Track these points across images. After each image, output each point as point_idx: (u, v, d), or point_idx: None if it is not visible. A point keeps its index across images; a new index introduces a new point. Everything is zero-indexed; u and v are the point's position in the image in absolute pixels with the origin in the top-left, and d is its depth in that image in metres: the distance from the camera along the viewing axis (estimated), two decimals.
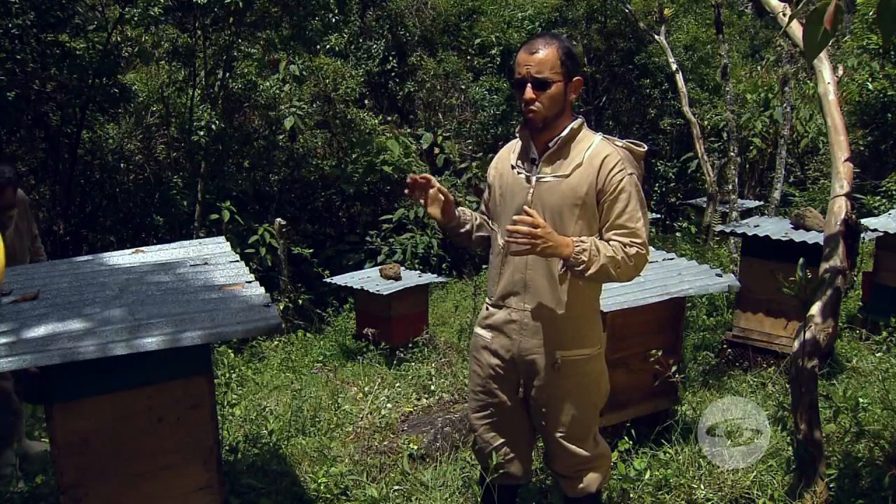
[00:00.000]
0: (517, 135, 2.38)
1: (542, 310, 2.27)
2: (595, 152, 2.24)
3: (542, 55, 2.17)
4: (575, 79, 2.24)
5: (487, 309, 2.42)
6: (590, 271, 2.13)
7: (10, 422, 3.36)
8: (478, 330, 2.46)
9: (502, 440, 2.46)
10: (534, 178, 2.27)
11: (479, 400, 2.46)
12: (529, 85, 2.18)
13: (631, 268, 2.19)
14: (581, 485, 2.43)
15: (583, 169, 2.22)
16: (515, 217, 2.11)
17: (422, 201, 2.33)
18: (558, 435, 2.36)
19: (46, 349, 1.74)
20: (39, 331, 1.81)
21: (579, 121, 2.29)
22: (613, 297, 3.17)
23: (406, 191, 2.31)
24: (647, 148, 2.38)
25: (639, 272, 2.24)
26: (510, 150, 2.42)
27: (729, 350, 4.85)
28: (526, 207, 2.12)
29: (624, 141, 2.32)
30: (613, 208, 2.21)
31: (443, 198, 2.32)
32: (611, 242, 2.19)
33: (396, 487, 3.06)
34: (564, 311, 2.26)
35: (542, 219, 2.13)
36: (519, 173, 2.32)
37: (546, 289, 2.27)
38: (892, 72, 10.42)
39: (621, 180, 2.20)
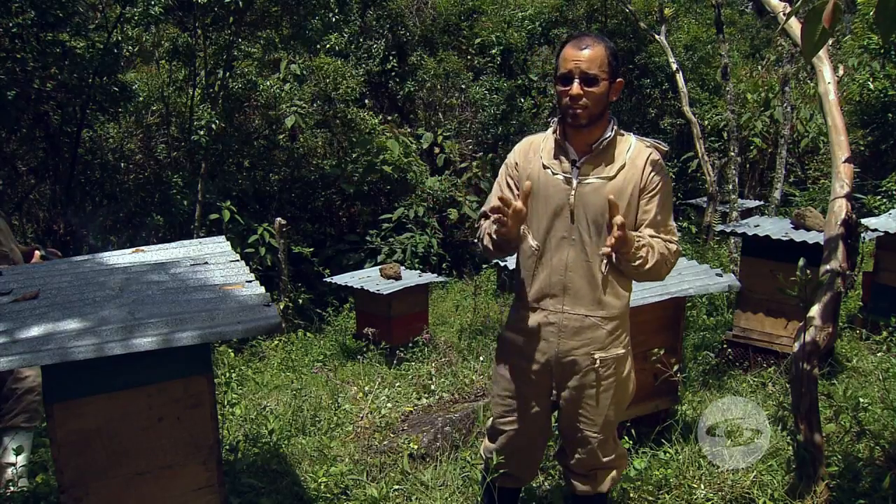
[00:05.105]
0: (553, 133, 2.28)
1: (582, 311, 2.25)
2: (636, 152, 2.23)
3: (592, 52, 2.12)
4: (618, 80, 2.21)
5: (518, 312, 2.36)
6: (647, 266, 2.15)
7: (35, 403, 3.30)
8: (507, 334, 2.41)
9: (523, 445, 2.42)
10: (574, 180, 2.22)
11: (505, 405, 2.41)
12: (577, 81, 2.13)
13: (672, 264, 2.25)
14: (596, 484, 2.42)
15: (626, 170, 2.20)
16: (617, 223, 2.03)
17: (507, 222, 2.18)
18: (591, 436, 2.33)
19: (43, 349, 1.73)
20: (37, 330, 1.80)
21: (615, 122, 2.27)
22: None
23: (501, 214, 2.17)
24: (668, 148, 2.38)
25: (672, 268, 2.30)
26: (536, 150, 2.31)
27: (729, 350, 4.85)
28: (611, 197, 2.09)
29: (650, 140, 2.31)
30: (652, 205, 2.21)
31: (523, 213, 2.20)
32: (654, 240, 2.19)
33: (396, 487, 3.05)
34: (603, 312, 2.25)
35: (585, 221, 2.19)
36: (554, 174, 2.24)
37: (586, 290, 2.24)
38: (893, 71, 10.43)
39: (661, 179, 2.21)
